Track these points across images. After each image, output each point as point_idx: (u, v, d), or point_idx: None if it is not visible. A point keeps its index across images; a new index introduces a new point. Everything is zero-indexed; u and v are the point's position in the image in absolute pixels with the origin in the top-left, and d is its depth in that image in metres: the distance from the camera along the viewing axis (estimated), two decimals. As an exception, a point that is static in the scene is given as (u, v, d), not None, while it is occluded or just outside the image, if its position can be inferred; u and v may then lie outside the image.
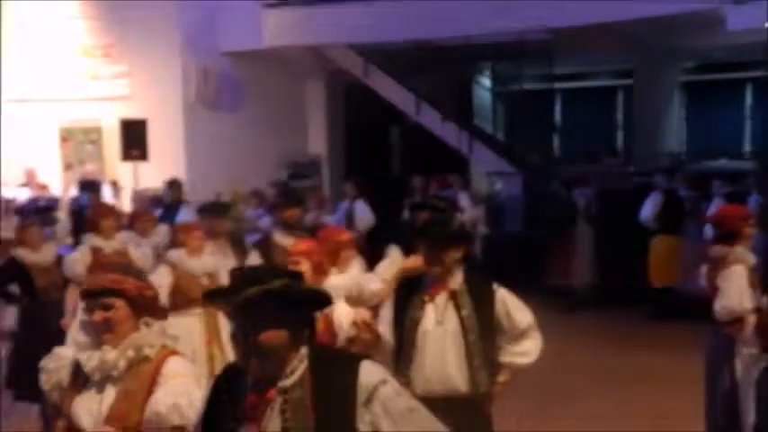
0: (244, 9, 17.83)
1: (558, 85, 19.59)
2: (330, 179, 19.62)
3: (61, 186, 17.43)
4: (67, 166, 17.95)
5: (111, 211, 9.62)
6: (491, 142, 18.49)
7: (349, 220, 14.48)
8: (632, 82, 19.59)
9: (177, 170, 16.81)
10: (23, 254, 9.04)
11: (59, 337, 8.39)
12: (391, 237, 8.05)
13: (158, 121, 16.77)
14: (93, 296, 4.07)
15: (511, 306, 5.54)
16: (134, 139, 16.40)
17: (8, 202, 13.99)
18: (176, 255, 8.06)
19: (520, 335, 5.55)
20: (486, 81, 20.00)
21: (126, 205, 16.03)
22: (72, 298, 8.64)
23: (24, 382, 8.32)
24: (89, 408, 4.01)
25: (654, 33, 17.25)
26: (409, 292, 5.65)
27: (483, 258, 16.67)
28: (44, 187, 16.66)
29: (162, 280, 7.61)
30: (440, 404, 4.50)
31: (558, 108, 20.31)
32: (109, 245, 8.85)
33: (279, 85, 18.93)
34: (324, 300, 3.53)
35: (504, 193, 17.26)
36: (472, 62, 19.13)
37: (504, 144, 18.76)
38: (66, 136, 18.13)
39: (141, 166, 16.35)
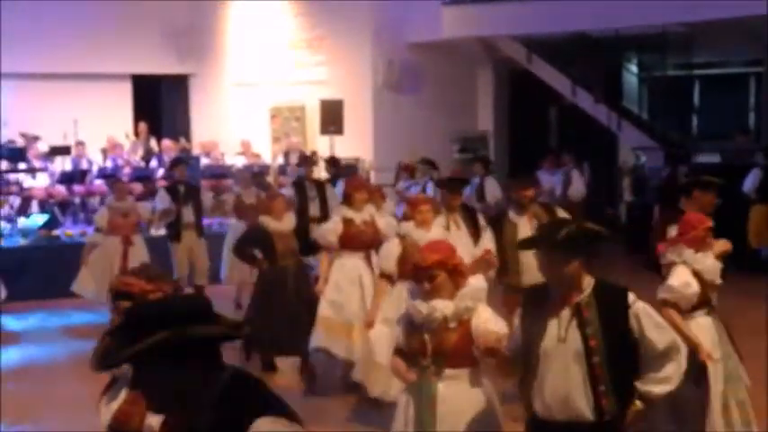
0: (425, 6, 18.77)
1: (696, 72, 19.95)
2: (495, 152, 20.30)
3: (270, 155, 18.86)
4: (275, 139, 19.43)
5: (364, 185, 9.43)
6: (637, 121, 18.96)
7: (480, 195, 14.91)
8: (762, 70, 19.70)
9: (366, 143, 18.38)
10: (267, 221, 9.19)
11: (294, 300, 9.10)
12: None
13: (351, 101, 18.05)
14: (115, 298, 4.19)
15: (646, 324, 4.48)
16: (331, 116, 17.86)
17: (248, 171, 14.72)
18: (406, 227, 7.90)
19: (659, 357, 4.51)
20: (633, 68, 20.42)
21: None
22: (324, 265, 8.84)
23: (257, 340, 8.75)
24: None
25: None
26: (535, 305, 4.65)
27: (627, 222, 17.62)
28: (257, 156, 18.26)
29: (392, 250, 7.77)
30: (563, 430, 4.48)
31: (696, 92, 20.42)
32: (359, 216, 8.66)
33: (452, 71, 19.70)
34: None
35: (648, 165, 17.90)
36: (621, 51, 19.69)
37: (648, 123, 19.21)
38: (275, 114, 19.64)
39: (337, 139, 17.85)
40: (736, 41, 18.55)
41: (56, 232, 14.82)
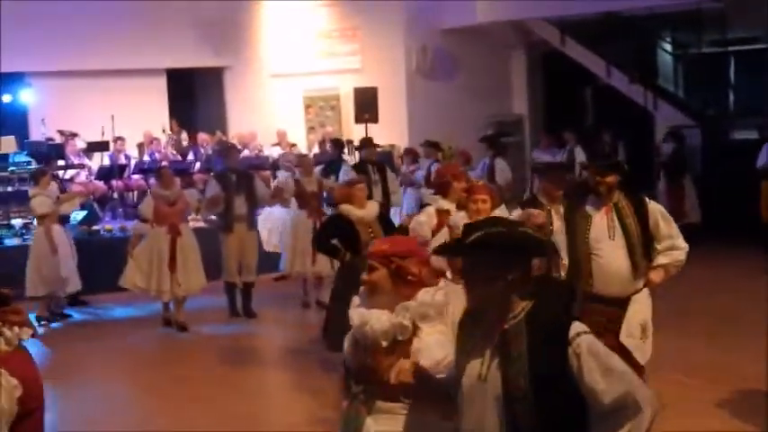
0: None
1: (731, 48, 19.50)
2: (530, 136, 20.34)
3: (306, 145, 19.03)
4: (311, 129, 19.51)
5: (463, 175, 8.12)
6: (673, 100, 18.81)
7: (490, 176, 14.69)
8: None
9: (401, 129, 18.37)
10: (349, 209, 8.66)
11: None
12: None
13: (386, 89, 17.88)
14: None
15: (587, 367, 3.14)
16: (366, 104, 17.58)
17: (305, 157, 14.13)
18: (455, 217, 7.18)
19: (607, 414, 3.21)
20: (667, 46, 20.19)
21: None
22: None
23: (339, 333, 7.17)
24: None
25: None
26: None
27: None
28: (293, 146, 18.20)
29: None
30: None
31: (731, 68, 19.99)
32: (453, 207, 7.49)
33: (486, 56, 19.68)
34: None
35: (686, 143, 17.07)
36: (655, 30, 19.44)
37: (685, 101, 19.10)
38: (310, 104, 19.68)
39: (372, 127, 17.31)
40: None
41: (95, 227, 14.73)
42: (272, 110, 19.65)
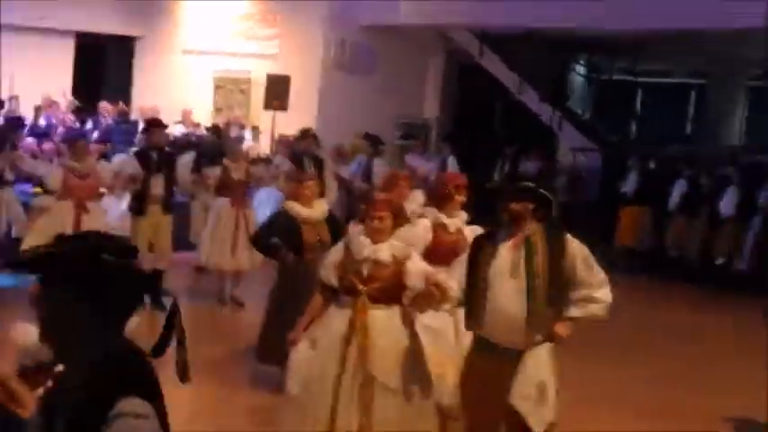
0: None
1: (641, 79, 20.26)
2: (435, 141, 20.11)
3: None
4: (218, 110, 19.10)
5: (465, 187, 6.91)
6: (578, 122, 19.15)
7: (366, 176, 14.75)
8: (704, 82, 20.37)
9: (309, 120, 17.46)
10: (295, 207, 8.04)
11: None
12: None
13: (299, 78, 17.63)
14: None
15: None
16: (277, 91, 17.35)
17: (234, 142, 13.38)
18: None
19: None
20: (581, 69, 20.73)
21: (265, 147, 17.38)
22: None
23: (275, 346, 7.18)
24: None
25: (725, 42, 17.73)
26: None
27: (562, 221, 18.56)
28: (197, 125, 17.90)
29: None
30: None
31: (639, 98, 20.89)
32: (453, 222, 6.79)
33: (404, 57, 19.59)
34: None
35: (585, 165, 17.91)
36: (571, 52, 19.86)
37: (590, 124, 19.47)
38: (220, 84, 19.30)
39: (280, 115, 17.32)
40: (681, 52, 18.94)
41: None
42: (180, 86, 19.25)
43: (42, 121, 17.05)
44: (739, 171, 15.13)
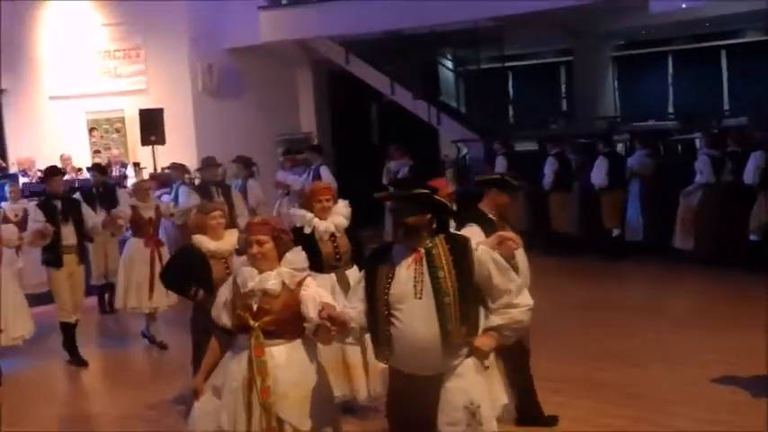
0: (241, 11, 18.64)
1: (509, 64, 20.36)
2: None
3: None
4: (96, 152, 18.83)
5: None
6: (455, 115, 19.36)
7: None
8: (572, 59, 20.69)
9: (189, 150, 17.94)
10: (202, 240, 7.50)
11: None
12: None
13: (172, 109, 17.75)
14: None
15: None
16: (152, 126, 17.36)
17: (141, 182, 12.93)
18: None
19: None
20: (448, 63, 20.81)
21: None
22: None
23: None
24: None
25: (588, 18, 18.19)
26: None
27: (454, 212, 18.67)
28: (79, 170, 17.66)
29: None
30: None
31: (510, 83, 21.22)
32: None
33: (272, 74, 19.73)
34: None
35: (469, 156, 18.23)
36: (436, 48, 20.02)
37: (467, 116, 19.66)
38: (94, 126, 19.23)
39: (159, 148, 17.34)
40: (544, 33, 19.23)
41: None
42: (54, 133, 19.16)
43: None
44: (607, 142, 15.49)
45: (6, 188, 13.50)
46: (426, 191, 4.81)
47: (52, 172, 10.98)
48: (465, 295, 4.69)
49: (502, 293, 4.79)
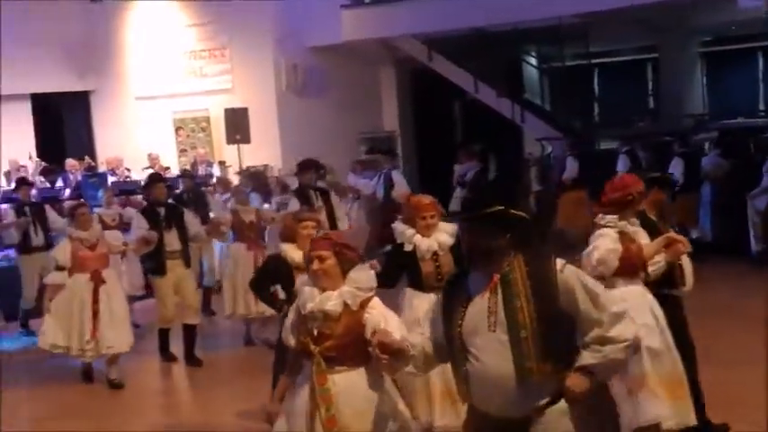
0: (324, 10, 18.81)
1: (594, 60, 20.07)
2: (402, 151, 20.34)
3: (178, 169, 18.54)
4: (182, 151, 19.44)
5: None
6: (539, 112, 19.15)
7: (388, 187, 15.02)
8: (657, 56, 20.12)
9: (274, 149, 18.33)
10: (289, 251, 6.98)
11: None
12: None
13: (257, 109, 18.03)
14: None
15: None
16: (237, 125, 17.66)
17: (240, 186, 13.34)
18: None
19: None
20: (532, 60, 20.64)
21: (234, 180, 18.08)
22: None
23: None
24: None
25: (674, 14, 18.00)
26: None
27: (536, 212, 17.11)
28: (167, 169, 18.02)
29: None
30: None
31: (596, 81, 20.73)
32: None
33: (355, 72, 19.85)
34: None
35: (553, 154, 17.92)
36: (520, 45, 19.82)
37: (551, 113, 19.43)
38: (180, 126, 19.64)
39: (244, 147, 17.64)
40: (630, 29, 18.89)
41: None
42: (141, 133, 19.63)
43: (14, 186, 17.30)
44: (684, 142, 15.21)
45: (101, 193, 13.73)
46: (501, 207, 4.18)
47: (155, 179, 11.07)
48: (548, 327, 4.05)
49: (592, 325, 4.10)
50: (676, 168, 14.35)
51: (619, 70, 21.16)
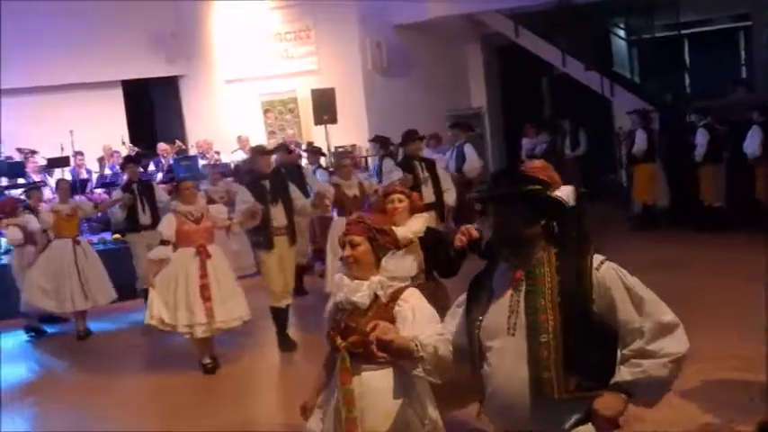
0: None
1: (684, 31, 19.61)
2: (490, 128, 20.50)
3: None
4: (271, 134, 19.50)
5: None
6: (629, 85, 18.86)
7: (460, 161, 14.94)
8: (750, 24, 19.88)
9: (362, 128, 18.29)
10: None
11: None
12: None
13: (343, 89, 18.07)
14: None
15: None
16: (324, 106, 17.74)
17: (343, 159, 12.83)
18: None
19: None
20: (621, 32, 20.38)
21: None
22: None
23: None
24: None
25: None
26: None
27: (628, 186, 17.21)
28: (257, 151, 19.21)
29: None
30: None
31: (686, 51, 20.39)
32: None
33: (441, 50, 19.74)
34: None
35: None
36: (608, 17, 19.66)
37: (641, 86, 19.10)
38: (268, 108, 19.73)
39: (332, 127, 17.75)
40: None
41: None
42: (230, 116, 19.81)
43: (108, 171, 17.81)
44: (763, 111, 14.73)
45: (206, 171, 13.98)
46: (538, 186, 3.60)
47: (260, 151, 10.72)
48: (575, 334, 3.44)
49: (634, 335, 3.45)
50: (754, 137, 14.17)
51: (710, 40, 20.75)
